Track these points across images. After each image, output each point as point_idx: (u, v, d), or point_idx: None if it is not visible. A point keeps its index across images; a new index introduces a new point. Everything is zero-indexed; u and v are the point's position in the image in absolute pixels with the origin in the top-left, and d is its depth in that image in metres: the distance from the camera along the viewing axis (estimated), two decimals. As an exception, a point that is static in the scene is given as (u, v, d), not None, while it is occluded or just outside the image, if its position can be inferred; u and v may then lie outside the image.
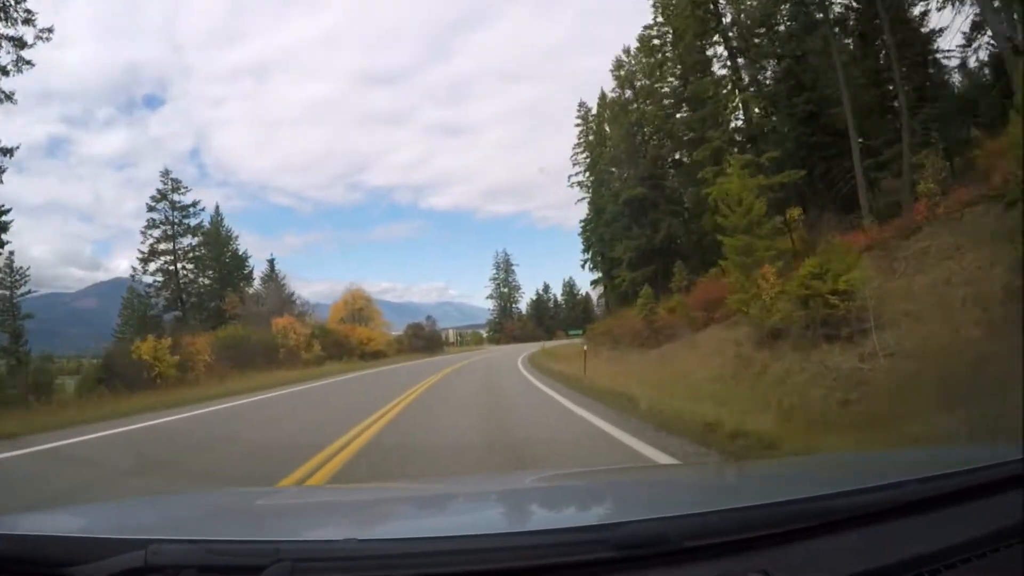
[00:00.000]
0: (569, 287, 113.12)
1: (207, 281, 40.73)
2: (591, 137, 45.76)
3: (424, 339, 61.44)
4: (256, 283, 47.91)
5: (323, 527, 1.57)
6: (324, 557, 1.07)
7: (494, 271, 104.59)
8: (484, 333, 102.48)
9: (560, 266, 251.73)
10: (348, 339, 38.69)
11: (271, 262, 49.97)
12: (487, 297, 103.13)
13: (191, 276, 38.85)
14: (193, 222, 38.59)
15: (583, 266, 45.51)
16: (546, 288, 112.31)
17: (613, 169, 33.86)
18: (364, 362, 34.63)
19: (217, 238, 42.68)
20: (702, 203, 28.74)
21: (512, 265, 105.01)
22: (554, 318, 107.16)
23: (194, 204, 38.50)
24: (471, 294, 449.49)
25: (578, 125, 46.61)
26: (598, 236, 39.72)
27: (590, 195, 43.58)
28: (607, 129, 43.08)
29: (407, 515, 1.73)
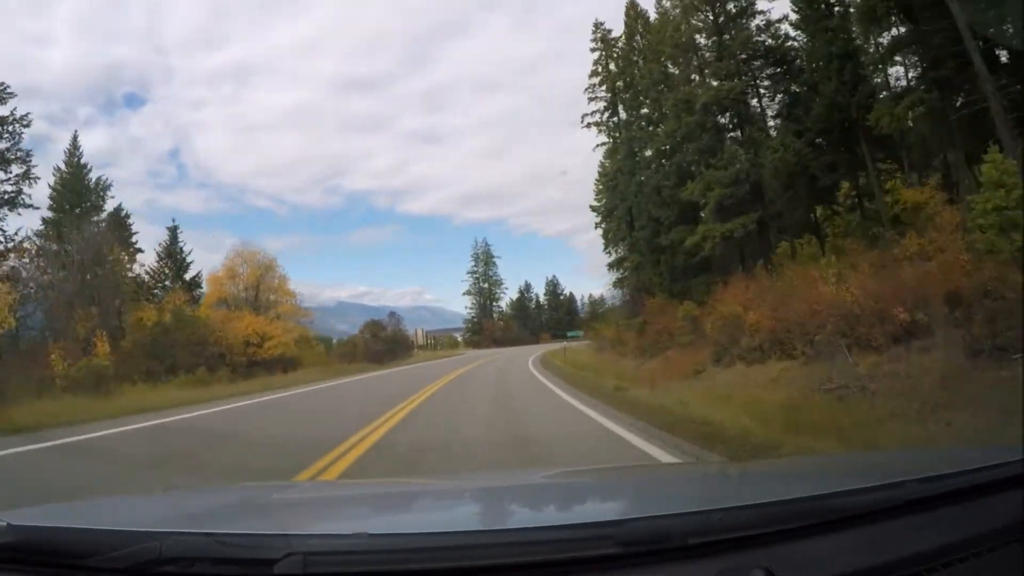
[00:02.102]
0: (552, 287, 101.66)
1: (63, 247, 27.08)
2: (612, 66, 33.95)
3: (385, 341, 48.09)
4: (152, 257, 34.70)
5: (335, 521, 1.61)
6: (336, 551, 1.07)
7: (472, 263, 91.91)
8: (460, 336, 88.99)
9: (541, 272, 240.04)
10: (223, 335, 24.20)
11: (173, 230, 36.34)
12: (464, 293, 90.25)
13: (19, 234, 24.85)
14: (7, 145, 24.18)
15: (603, 237, 33.15)
16: (528, 287, 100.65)
17: (679, 60, 21.28)
18: (231, 384, 19.29)
19: (74, 185, 29.03)
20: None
21: (493, 257, 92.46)
22: (536, 319, 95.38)
23: (17, 119, 24.31)
24: (447, 299, 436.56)
25: (594, 50, 34.63)
26: (635, 187, 27.47)
27: (618, 135, 31.43)
28: (639, 41, 31.39)
29: (418, 510, 1.79)
